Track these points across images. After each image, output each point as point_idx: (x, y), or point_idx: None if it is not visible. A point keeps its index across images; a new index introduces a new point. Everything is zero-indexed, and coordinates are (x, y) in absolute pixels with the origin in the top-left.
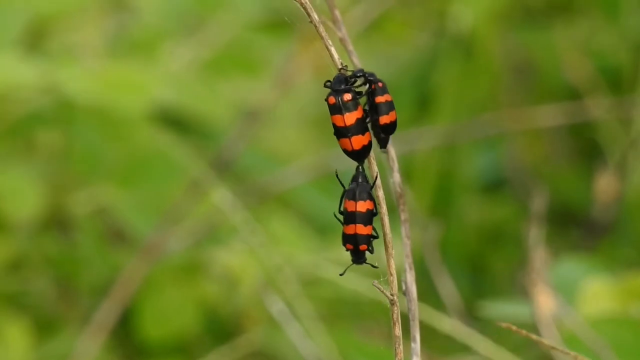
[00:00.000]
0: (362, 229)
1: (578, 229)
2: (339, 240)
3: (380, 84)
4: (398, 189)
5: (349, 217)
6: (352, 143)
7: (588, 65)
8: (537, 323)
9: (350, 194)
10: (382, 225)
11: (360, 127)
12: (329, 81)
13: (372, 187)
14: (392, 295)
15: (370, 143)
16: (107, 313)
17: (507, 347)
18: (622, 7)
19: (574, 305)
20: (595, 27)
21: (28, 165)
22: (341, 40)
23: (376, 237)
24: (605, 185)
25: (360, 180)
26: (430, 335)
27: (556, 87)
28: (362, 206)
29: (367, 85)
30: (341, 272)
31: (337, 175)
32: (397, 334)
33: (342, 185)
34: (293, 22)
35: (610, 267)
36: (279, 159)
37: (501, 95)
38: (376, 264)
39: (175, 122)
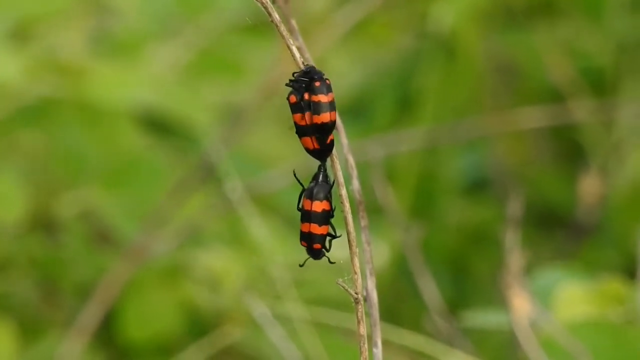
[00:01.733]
0: (316, 229)
1: (561, 230)
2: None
3: (317, 83)
4: (357, 196)
5: (305, 216)
6: (313, 142)
7: (570, 67)
8: (514, 327)
9: (308, 193)
10: (346, 225)
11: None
12: (291, 80)
13: (331, 187)
14: (356, 294)
15: (332, 142)
16: (90, 315)
17: (489, 347)
18: (604, 9)
19: (552, 310)
20: (577, 28)
21: (12, 167)
22: (299, 49)
23: (334, 237)
24: (588, 187)
25: (320, 179)
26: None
27: (539, 89)
28: (318, 206)
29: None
30: (320, 272)
31: (294, 174)
32: (362, 333)
33: (301, 184)
34: (261, 24)
35: (591, 270)
36: (262, 161)
37: (484, 97)
38: (333, 261)
39: (158, 124)
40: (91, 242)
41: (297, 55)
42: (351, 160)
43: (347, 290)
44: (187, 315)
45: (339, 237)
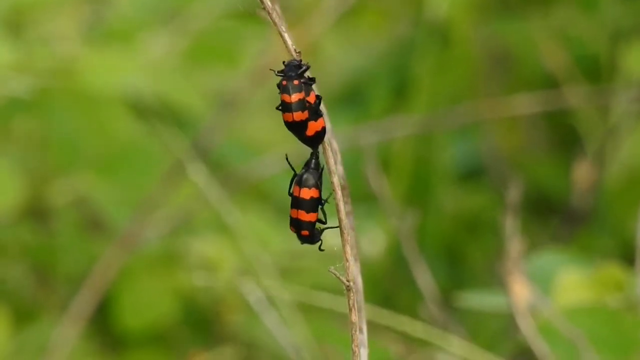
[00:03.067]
0: (303, 215)
1: (556, 217)
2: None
3: (284, 82)
4: (341, 181)
5: (293, 202)
6: (294, 116)
7: (565, 54)
8: (513, 312)
9: (298, 179)
10: (337, 212)
11: (302, 104)
12: (281, 70)
13: (320, 175)
14: (348, 281)
15: (323, 129)
16: (84, 302)
17: (485, 335)
18: None
19: (550, 296)
20: (572, 15)
21: (5, 154)
22: (281, 35)
23: (324, 223)
24: (583, 173)
25: (311, 166)
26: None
27: (533, 76)
28: (306, 193)
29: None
30: (312, 259)
31: (287, 159)
32: (354, 320)
33: (293, 169)
34: (253, 11)
35: (588, 257)
36: (255, 148)
37: (478, 84)
38: (323, 248)
39: (151, 111)
40: (84, 230)
41: (289, 42)
42: (335, 145)
43: (338, 277)
44: (181, 302)
45: (333, 227)
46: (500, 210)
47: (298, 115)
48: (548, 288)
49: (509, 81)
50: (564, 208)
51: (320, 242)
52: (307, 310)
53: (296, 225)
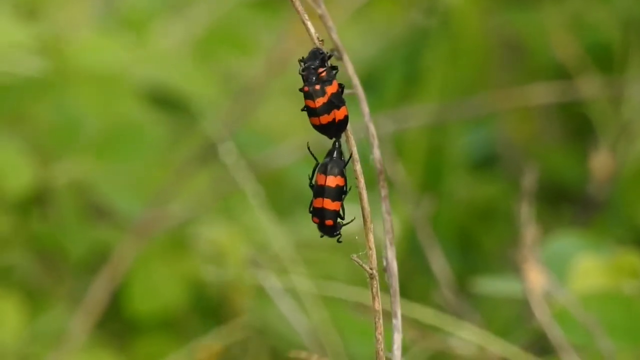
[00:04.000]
0: (329, 204)
1: (570, 207)
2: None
3: (306, 89)
4: (378, 165)
5: (318, 191)
6: (320, 120)
7: (577, 43)
8: (528, 299)
9: (322, 168)
10: (360, 200)
11: (327, 107)
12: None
13: (345, 164)
14: (371, 269)
15: (346, 118)
16: (98, 290)
17: (498, 320)
18: None
19: (565, 281)
20: (584, 4)
21: (13, 137)
22: (321, 17)
23: (342, 217)
24: (598, 163)
25: (335, 155)
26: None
27: (546, 66)
28: (332, 181)
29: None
30: (327, 249)
31: (308, 148)
32: (377, 308)
33: (315, 158)
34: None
35: (603, 242)
36: (271, 137)
37: (491, 73)
38: (341, 240)
39: (166, 100)
40: (88, 214)
41: (312, 31)
42: (372, 128)
43: (361, 265)
44: (193, 290)
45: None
46: (513, 198)
47: (325, 119)
48: (563, 272)
49: (522, 70)
50: (578, 198)
51: (339, 235)
52: (321, 298)
53: (320, 215)
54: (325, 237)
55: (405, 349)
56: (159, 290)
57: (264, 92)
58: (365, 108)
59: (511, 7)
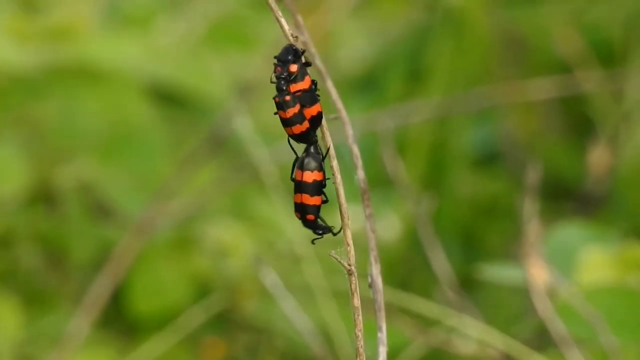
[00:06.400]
0: (308, 199)
1: (570, 201)
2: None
3: (276, 99)
4: (362, 185)
5: (296, 186)
6: (293, 130)
7: (579, 39)
8: (531, 295)
9: (299, 163)
10: (337, 196)
11: (299, 117)
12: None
13: (323, 159)
14: (349, 265)
15: (319, 114)
16: (100, 289)
17: (500, 318)
18: None
19: (570, 274)
20: (586, 1)
21: (13, 138)
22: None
23: (325, 202)
24: (598, 158)
25: (311, 150)
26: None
27: (547, 61)
28: (309, 176)
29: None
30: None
31: (289, 142)
32: (356, 305)
33: (295, 152)
34: None
35: (606, 235)
36: (273, 134)
37: (494, 69)
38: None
39: (168, 97)
40: (91, 214)
41: (286, 27)
42: (356, 150)
43: (339, 261)
44: (196, 289)
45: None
46: (516, 194)
47: (297, 128)
48: (568, 263)
49: (524, 66)
50: (579, 193)
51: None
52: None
53: (301, 210)
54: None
55: (404, 345)
56: (162, 289)
57: (266, 89)
58: (350, 130)
59: (513, 3)
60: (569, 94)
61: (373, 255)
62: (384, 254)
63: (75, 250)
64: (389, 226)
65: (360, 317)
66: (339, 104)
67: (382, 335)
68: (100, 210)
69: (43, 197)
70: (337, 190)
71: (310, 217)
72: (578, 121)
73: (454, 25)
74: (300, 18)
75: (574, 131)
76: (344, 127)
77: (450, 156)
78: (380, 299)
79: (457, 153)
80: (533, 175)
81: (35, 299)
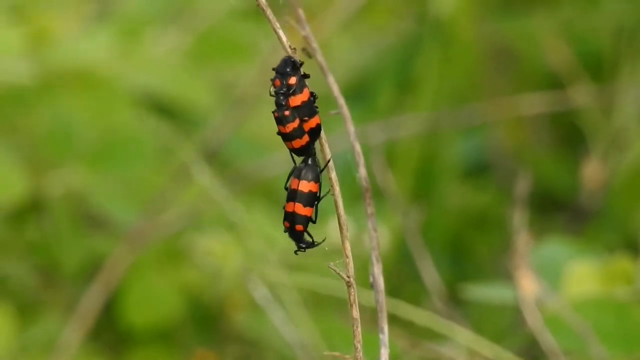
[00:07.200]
0: (300, 209)
1: (562, 215)
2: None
3: (276, 114)
4: (364, 183)
5: (290, 195)
6: (293, 144)
7: (569, 52)
8: (520, 306)
9: (296, 172)
10: (336, 207)
11: (299, 131)
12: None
13: (321, 171)
14: (348, 277)
15: (318, 126)
16: (91, 300)
17: (489, 330)
18: None
19: (558, 288)
20: (575, 12)
21: (5, 146)
22: (306, 38)
23: (314, 222)
24: (590, 172)
25: (310, 161)
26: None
27: (537, 74)
28: (305, 186)
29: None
30: (321, 257)
31: (290, 153)
32: (355, 316)
33: (294, 162)
34: (263, 8)
35: (596, 248)
36: (264, 145)
37: (483, 82)
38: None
39: (159, 108)
40: (83, 224)
41: (284, 39)
42: (357, 147)
43: (338, 273)
44: (188, 300)
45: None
46: (506, 206)
47: (297, 143)
48: (555, 278)
49: (514, 78)
50: (570, 206)
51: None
52: (313, 308)
53: (291, 219)
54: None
55: (396, 358)
56: (154, 300)
57: (256, 101)
58: (351, 127)
59: (503, 15)
60: (558, 107)
61: (375, 255)
62: (368, 274)
63: (64, 260)
64: (379, 237)
65: (359, 329)
66: (341, 100)
67: (384, 337)
68: (89, 219)
69: (31, 206)
70: (335, 202)
71: (299, 227)
72: (567, 133)
73: (443, 37)
74: (301, 12)
75: (563, 143)
76: (344, 123)
77: (440, 168)
78: (382, 299)
79: (446, 165)
80: (522, 187)
81: (26, 310)
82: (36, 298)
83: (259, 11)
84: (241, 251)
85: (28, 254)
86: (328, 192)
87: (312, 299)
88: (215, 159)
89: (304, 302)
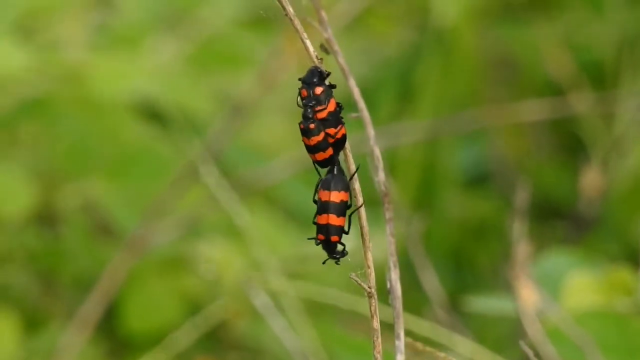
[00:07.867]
0: (334, 220)
1: (561, 223)
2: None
3: (301, 126)
4: (383, 188)
5: (322, 207)
6: (316, 157)
7: (570, 60)
8: (521, 317)
9: (325, 184)
10: (359, 218)
11: (323, 144)
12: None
13: (350, 179)
14: (369, 288)
15: (344, 137)
16: (92, 307)
17: (490, 340)
18: (604, 1)
19: (558, 299)
20: (577, 21)
21: (15, 159)
22: (327, 40)
23: (346, 233)
24: (590, 180)
25: (335, 172)
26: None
27: (538, 82)
28: (336, 197)
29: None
30: (323, 263)
31: (314, 163)
32: (376, 327)
33: (319, 173)
34: (274, 17)
35: (595, 259)
36: (264, 153)
37: (484, 90)
38: (349, 259)
39: (159, 116)
40: (93, 235)
41: (311, 49)
42: (377, 151)
43: (360, 284)
44: (188, 307)
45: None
46: (506, 215)
47: (320, 155)
48: (556, 289)
49: (514, 87)
50: (570, 214)
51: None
52: (315, 315)
53: (326, 231)
54: (321, 252)
55: None
56: (154, 307)
57: (256, 109)
58: (371, 131)
59: (504, 23)
60: (559, 115)
61: (392, 260)
62: (385, 279)
63: (71, 270)
64: (379, 246)
65: (380, 340)
66: (361, 103)
67: (400, 344)
68: (102, 231)
69: (42, 218)
70: (358, 212)
71: (335, 238)
72: (568, 141)
73: (444, 46)
74: (324, 14)
75: (564, 151)
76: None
77: (441, 177)
78: (399, 305)
79: (447, 174)
80: (522, 196)
81: (28, 317)
82: (38, 305)
83: (258, 19)
84: (242, 258)
85: (31, 263)
86: (353, 205)
87: (313, 307)
88: (216, 165)
89: (304, 310)
